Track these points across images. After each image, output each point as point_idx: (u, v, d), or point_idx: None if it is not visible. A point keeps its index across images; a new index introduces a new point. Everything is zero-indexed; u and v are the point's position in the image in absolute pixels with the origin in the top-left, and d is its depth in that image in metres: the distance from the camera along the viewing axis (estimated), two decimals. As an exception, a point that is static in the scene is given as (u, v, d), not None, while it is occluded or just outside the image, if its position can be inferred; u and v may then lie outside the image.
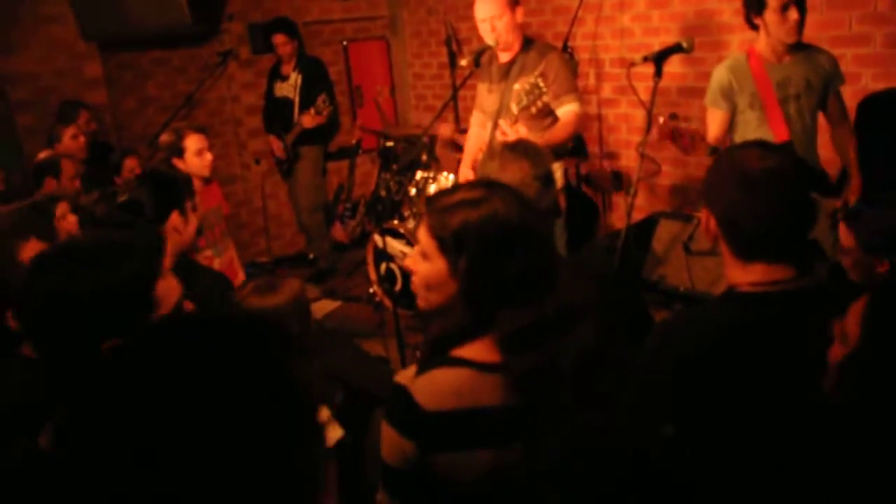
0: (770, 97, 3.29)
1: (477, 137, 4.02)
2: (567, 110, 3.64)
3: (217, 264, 3.92)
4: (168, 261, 2.51)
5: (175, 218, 2.57)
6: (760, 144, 1.75)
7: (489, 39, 3.72)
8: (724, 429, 1.61)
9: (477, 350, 1.50)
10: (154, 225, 2.49)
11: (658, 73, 3.22)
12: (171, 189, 2.70)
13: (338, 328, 5.13)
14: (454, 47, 5.77)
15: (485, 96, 3.98)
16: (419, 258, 1.58)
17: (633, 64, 3.36)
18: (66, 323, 1.38)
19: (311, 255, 6.41)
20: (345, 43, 7.02)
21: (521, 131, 3.31)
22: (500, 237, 1.48)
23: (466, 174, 3.91)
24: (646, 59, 3.27)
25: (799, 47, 3.30)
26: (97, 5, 5.24)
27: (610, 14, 5.00)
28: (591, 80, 5.23)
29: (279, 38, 5.82)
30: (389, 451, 1.50)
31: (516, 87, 3.49)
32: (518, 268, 1.47)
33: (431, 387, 1.48)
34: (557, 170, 3.80)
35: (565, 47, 4.75)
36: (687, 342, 1.69)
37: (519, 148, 2.20)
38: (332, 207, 6.61)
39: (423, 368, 1.52)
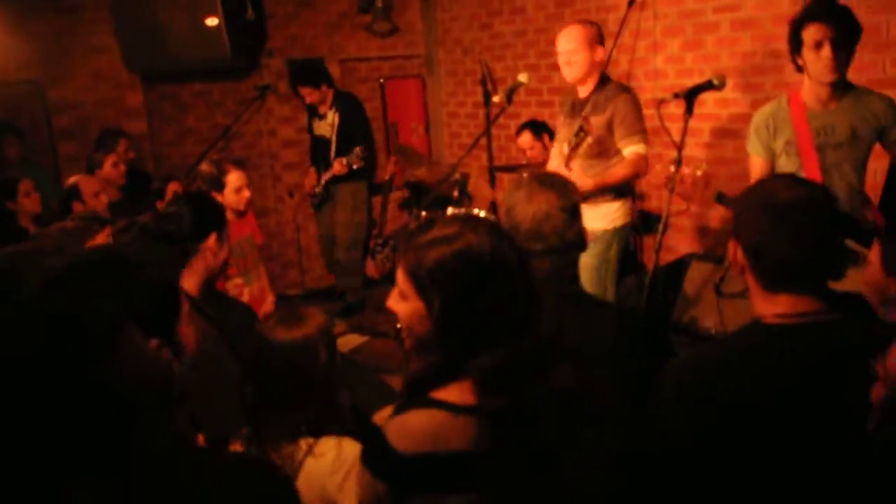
0: (807, 144, 3.11)
1: (557, 168, 4.09)
2: (631, 151, 3.73)
3: (247, 293, 3.95)
4: (196, 284, 2.55)
5: (213, 239, 2.59)
6: (789, 176, 1.75)
7: (565, 72, 3.85)
8: (749, 461, 1.58)
9: (454, 392, 1.46)
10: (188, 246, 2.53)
11: (689, 111, 3.19)
12: (213, 211, 2.73)
13: (364, 363, 5.11)
14: (489, 87, 5.78)
15: (560, 129, 4.09)
16: (399, 298, 1.55)
17: (663, 101, 3.35)
18: None
19: (340, 291, 6.42)
20: (381, 80, 7.13)
21: (572, 172, 3.55)
22: (472, 274, 1.44)
23: None
24: (676, 95, 3.25)
25: (848, 92, 3.09)
26: (141, 38, 5.39)
27: (644, 56, 5.02)
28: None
29: (304, 90, 5.83)
30: (363, 491, 1.48)
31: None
32: (492, 305, 1.43)
33: (405, 429, 1.45)
34: (621, 207, 3.90)
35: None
36: (710, 373, 1.66)
37: (546, 179, 2.19)
38: (365, 242, 6.65)
39: (398, 410, 1.48)
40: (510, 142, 6.23)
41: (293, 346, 2.02)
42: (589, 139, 3.54)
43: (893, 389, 1.33)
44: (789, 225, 1.60)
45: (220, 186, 3.92)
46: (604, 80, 3.88)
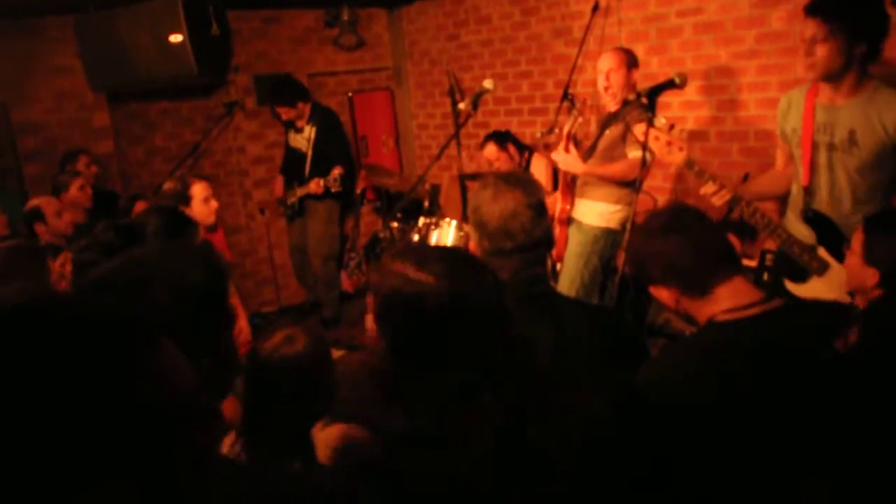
0: (807, 137, 2.88)
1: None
2: (633, 155, 3.92)
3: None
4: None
5: None
6: (653, 213, 2.00)
7: (601, 88, 4.11)
8: (736, 466, 1.59)
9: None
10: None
11: (651, 110, 3.22)
12: (178, 224, 2.66)
13: (339, 377, 5.08)
14: (457, 97, 5.82)
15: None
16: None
17: (626, 101, 3.38)
18: None
19: (312, 302, 6.40)
20: (349, 94, 7.13)
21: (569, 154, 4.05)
22: (408, 318, 1.43)
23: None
24: (639, 95, 3.28)
25: (862, 90, 2.75)
26: (106, 57, 5.34)
27: (609, 61, 5.06)
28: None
29: (279, 110, 5.88)
30: None
31: (606, 132, 4.10)
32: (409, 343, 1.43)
33: (325, 441, 1.47)
34: (618, 212, 4.10)
35: (566, 94, 4.80)
36: (677, 373, 1.71)
37: (511, 178, 2.20)
38: (339, 256, 6.63)
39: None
40: (480, 151, 6.26)
41: (303, 356, 2.02)
42: (580, 119, 4.17)
43: None
44: (674, 231, 1.79)
45: (187, 200, 3.89)
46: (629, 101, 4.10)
